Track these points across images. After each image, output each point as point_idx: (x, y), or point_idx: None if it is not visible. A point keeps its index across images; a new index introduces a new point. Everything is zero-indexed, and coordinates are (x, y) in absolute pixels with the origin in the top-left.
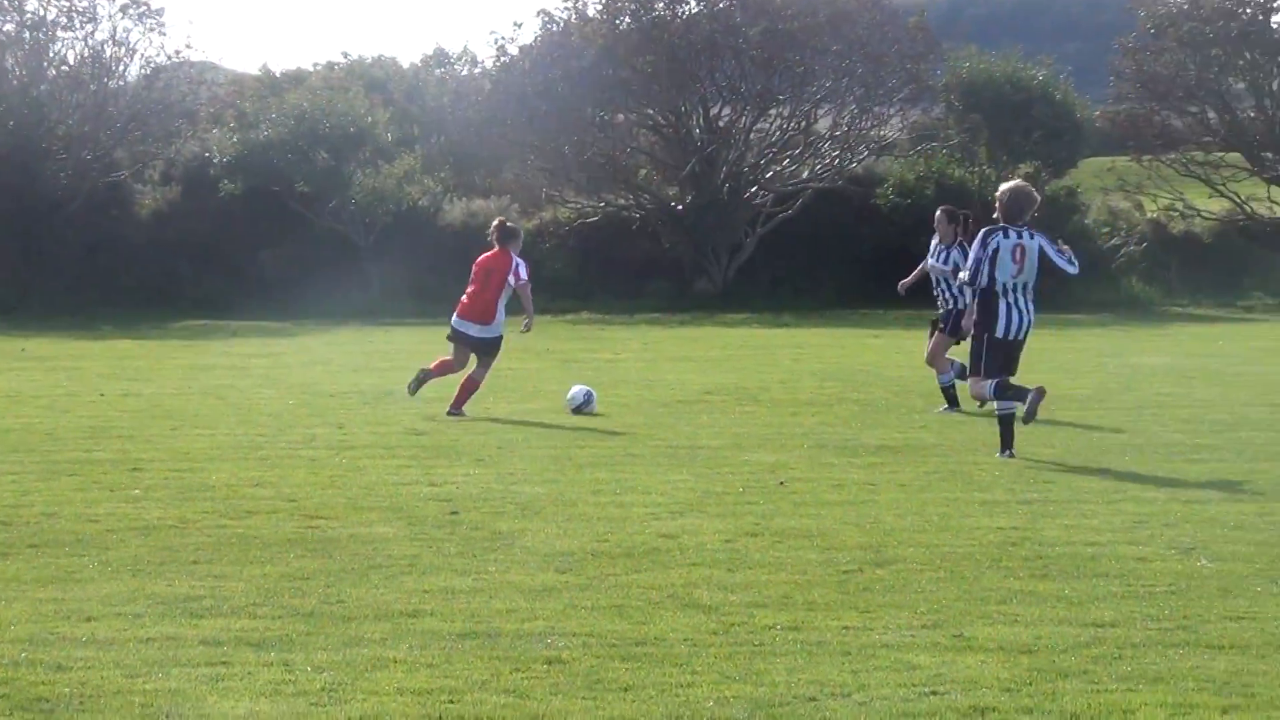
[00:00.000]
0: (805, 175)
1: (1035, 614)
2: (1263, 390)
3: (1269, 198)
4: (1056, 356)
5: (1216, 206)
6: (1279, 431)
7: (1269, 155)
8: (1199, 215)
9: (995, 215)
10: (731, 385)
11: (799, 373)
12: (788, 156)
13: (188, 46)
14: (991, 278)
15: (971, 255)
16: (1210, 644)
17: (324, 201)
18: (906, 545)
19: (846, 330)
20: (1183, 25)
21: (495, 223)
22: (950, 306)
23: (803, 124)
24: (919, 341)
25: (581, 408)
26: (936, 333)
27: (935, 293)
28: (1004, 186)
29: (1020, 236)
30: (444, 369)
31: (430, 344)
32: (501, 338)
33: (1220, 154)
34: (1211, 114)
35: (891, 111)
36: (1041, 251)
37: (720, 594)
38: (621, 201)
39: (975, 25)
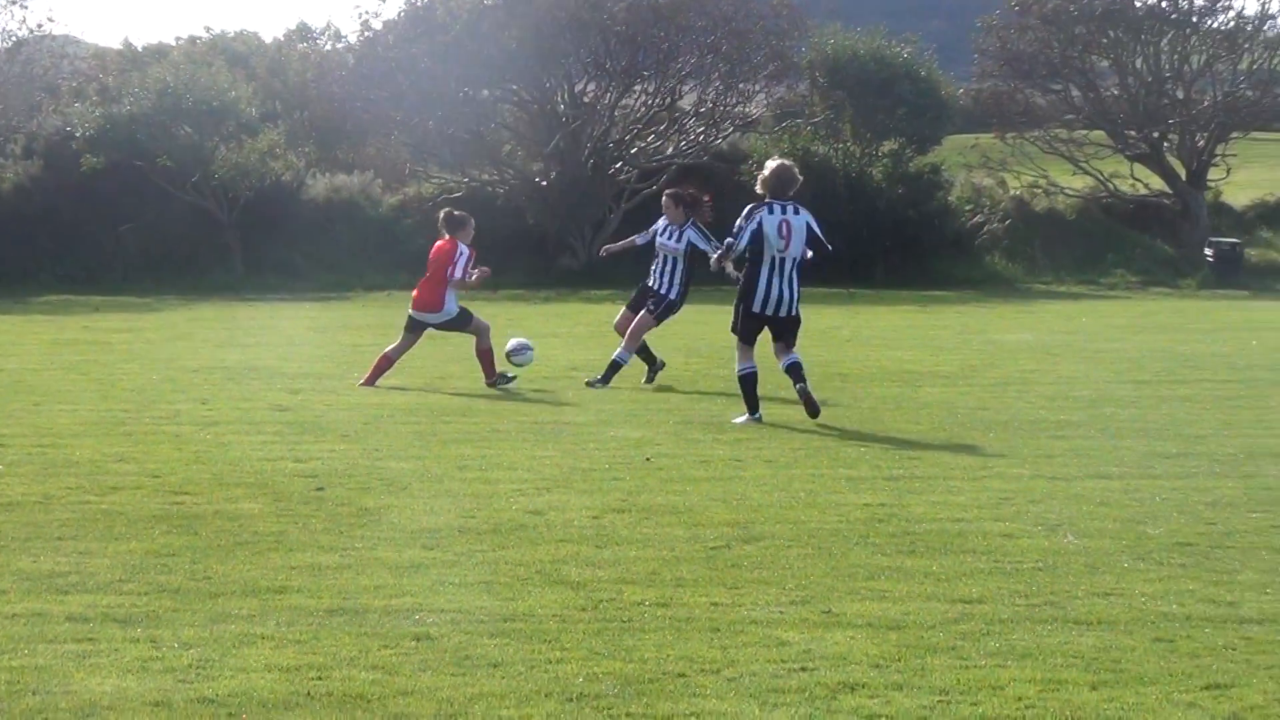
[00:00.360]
0: (670, 151)
1: (903, 590)
2: (1126, 367)
3: (1132, 175)
4: (920, 333)
5: (1080, 184)
6: (1143, 408)
7: (1132, 133)
8: (1062, 193)
9: (761, 193)
10: (596, 361)
11: (664, 349)
12: (652, 132)
13: (49, 20)
14: (758, 251)
15: (738, 226)
16: (1078, 620)
17: (187, 176)
18: (774, 522)
19: (711, 307)
20: (1046, 3)
21: (442, 214)
22: (662, 291)
23: (667, 100)
24: None
25: (517, 356)
26: (644, 312)
27: (652, 270)
28: (769, 165)
29: (785, 212)
30: (386, 362)
31: (291, 319)
32: (462, 310)
33: (1084, 132)
34: (1075, 92)
35: (756, 88)
36: (810, 228)
37: (588, 570)
38: (486, 177)
39: (839, 2)
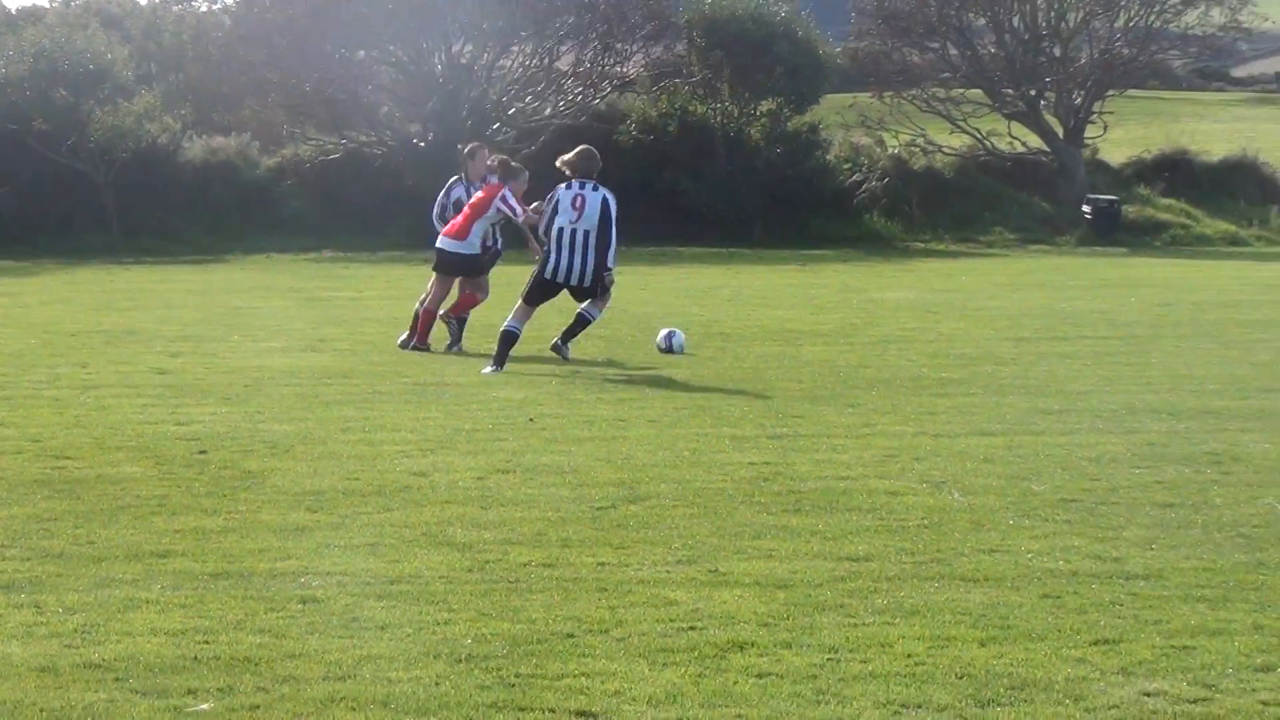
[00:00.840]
0: (548, 112)
1: (790, 548)
2: (1006, 324)
3: (1009, 133)
4: (801, 292)
5: (957, 142)
6: (1024, 365)
7: (1009, 91)
8: (940, 151)
9: (567, 173)
10: (479, 321)
11: (543, 309)
12: (530, 93)
13: None
14: (551, 222)
15: (543, 211)
16: (965, 577)
17: (63, 139)
18: (659, 481)
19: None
20: None
21: (498, 159)
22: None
23: (545, 61)
24: (661, 277)
25: (671, 344)
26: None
27: None
28: (574, 151)
29: (583, 188)
30: (465, 304)
31: (167, 282)
32: (478, 257)
33: (961, 90)
34: (952, 50)
35: (634, 48)
36: (605, 203)
37: (474, 531)
38: (363, 138)
39: None
